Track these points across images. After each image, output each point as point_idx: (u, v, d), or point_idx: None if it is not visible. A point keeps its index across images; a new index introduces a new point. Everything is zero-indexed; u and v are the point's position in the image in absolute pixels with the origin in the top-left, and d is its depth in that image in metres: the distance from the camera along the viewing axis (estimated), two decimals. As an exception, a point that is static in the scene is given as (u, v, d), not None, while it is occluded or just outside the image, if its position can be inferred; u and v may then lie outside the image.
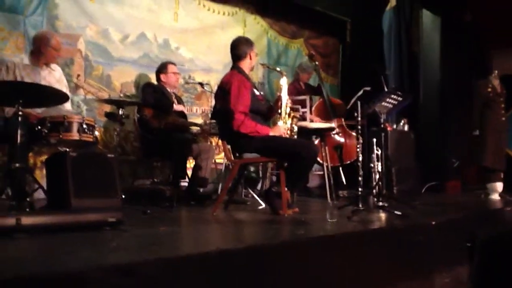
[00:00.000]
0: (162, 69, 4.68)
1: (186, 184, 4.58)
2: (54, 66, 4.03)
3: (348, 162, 5.59)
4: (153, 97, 4.44)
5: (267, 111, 3.84)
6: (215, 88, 5.41)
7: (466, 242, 2.58)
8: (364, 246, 2.76)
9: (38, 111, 3.64)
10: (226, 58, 5.91)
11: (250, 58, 3.76)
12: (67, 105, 3.78)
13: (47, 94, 3.07)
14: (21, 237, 2.30)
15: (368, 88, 4.96)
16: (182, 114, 4.66)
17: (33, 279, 1.56)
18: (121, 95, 3.83)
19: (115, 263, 1.77)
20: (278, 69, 4.01)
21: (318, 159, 4.49)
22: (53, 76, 3.95)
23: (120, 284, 1.66)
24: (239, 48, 3.75)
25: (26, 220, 2.38)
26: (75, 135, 3.38)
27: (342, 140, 5.60)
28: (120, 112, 3.66)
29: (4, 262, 1.80)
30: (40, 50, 3.87)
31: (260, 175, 5.40)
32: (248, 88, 3.61)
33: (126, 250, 2.09)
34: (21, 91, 3.02)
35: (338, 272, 2.52)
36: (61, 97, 3.12)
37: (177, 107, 4.60)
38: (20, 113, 3.02)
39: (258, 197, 4.72)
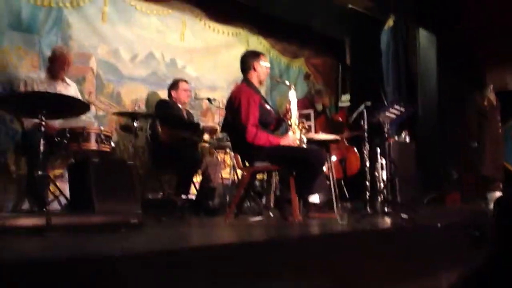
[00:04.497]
0: (173, 86, 4.87)
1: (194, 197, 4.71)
2: (69, 81, 4.19)
3: (351, 175, 5.76)
4: (172, 115, 4.62)
5: (276, 122, 4.00)
6: (222, 104, 5.65)
7: (473, 234, 2.72)
8: (374, 246, 2.88)
9: (56, 123, 3.78)
10: (230, 76, 6.17)
11: (255, 70, 3.86)
12: (83, 116, 3.92)
13: (69, 104, 3.22)
14: (51, 235, 2.42)
15: (368, 103, 5.14)
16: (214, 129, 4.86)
17: (71, 262, 1.67)
18: (136, 108, 3.98)
19: (152, 249, 1.88)
20: (286, 82, 4.18)
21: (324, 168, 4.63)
22: (68, 91, 4.08)
23: (159, 267, 1.78)
24: (244, 61, 3.90)
25: (56, 220, 2.51)
26: (93, 145, 3.52)
27: (335, 157, 5.78)
28: (135, 124, 3.81)
29: (44, 250, 1.92)
30: (57, 65, 4.03)
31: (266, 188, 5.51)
32: (256, 102, 3.73)
33: (158, 242, 2.21)
34: (44, 101, 3.16)
35: (348, 269, 2.63)
36: (82, 107, 3.26)
37: (207, 127, 4.78)
38: (43, 123, 3.16)
39: (265, 207, 4.86)
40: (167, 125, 4.55)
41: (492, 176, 5.52)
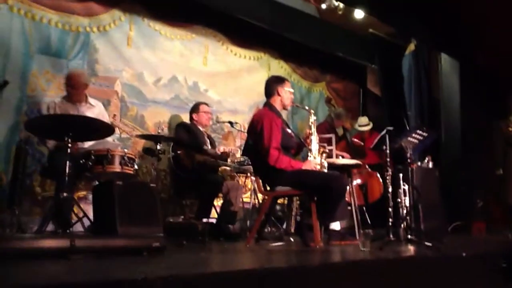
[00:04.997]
0: (194, 108, 4.93)
1: (214, 220, 4.71)
2: (94, 102, 4.25)
3: (372, 201, 5.70)
4: (186, 136, 4.65)
5: (297, 147, 4.00)
6: (243, 127, 5.68)
7: (500, 265, 2.65)
8: (397, 274, 2.83)
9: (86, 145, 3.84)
10: (251, 100, 6.24)
11: (279, 95, 3.91)
12: (109, 138, 3.97)
13: (94, 126, 3.28)
14: (76, 258, 2.44)
15: (391, 128, 5.10)
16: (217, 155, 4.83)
17: (102, 285, 1.68)
18: (160, 131, 4.03)
19: (173, 274, 1.88)
20: (306, 107, 4.19)
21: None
22: (92, 112, 4.14)
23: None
24: (269, 85, 3.95)
25: (79, 243, 2.53)
26: (117, 168, 3.56)
27: (360, 180, 5.73)
28: (158, 147, 3.86)
29: (68, 273, 1.94)
30: (71, 87, 4.10)
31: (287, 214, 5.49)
32: (278, 125, 3.77)
33: (181, 266, 2.21)
34: (70, 124, 3.22)
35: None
36: (107, 129, 3.31)
37: (210, 150, 4.76)
38: (69, 145, 3.22)
39: (286, 233, 4.84)
40: (180, 148, 4.56)
41: (518, 205, 5.39)
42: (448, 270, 3.11)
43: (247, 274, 2.09)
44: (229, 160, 4.98)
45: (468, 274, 3.17)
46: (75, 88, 4.10)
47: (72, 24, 4.83)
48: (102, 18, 5.06)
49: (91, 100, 4.24)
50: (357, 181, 5.73)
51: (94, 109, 4.21)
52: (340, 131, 6.03)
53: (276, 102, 3.92)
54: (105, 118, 4.25)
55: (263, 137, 3.66)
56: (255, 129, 3.77)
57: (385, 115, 6.19)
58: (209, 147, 4.84)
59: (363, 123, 6.29)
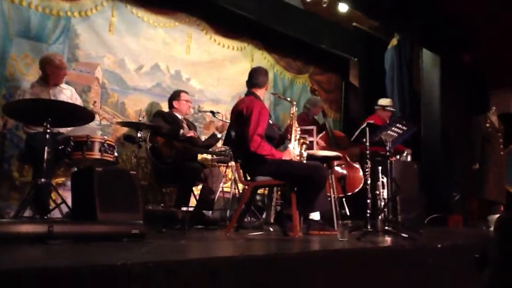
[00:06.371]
0: (175, 96, 4.88)
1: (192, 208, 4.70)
2: (65, 85, 4.18)
3: (351, 193, 5.76)
4: (163, 124, 4.61)
5: (279, 138, 4.03)
6: (225, 117, 5.67)
7: (472, 261, 2.71)
8: (374, 264, 2.88)
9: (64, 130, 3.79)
10: (234, 90, 6.22)
11: (266, 89, 3.98)
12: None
13: (75, 112, 3.24)
14: (53, 243, 2.42)
15: (371, 121, 5.16)
16: (193, 140, 4.78)
17: (81, 270, 1.68)
18: (141, 118, 4.00)
19: (157, 260, 1.88)
20: (288, 99, 4.21)
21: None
22: (64, 94, 4.09)
23: (163, 279, 1.78)
24: (260, 77, 3.96)
25: (58, 228, 2.51)
26: (96, 154, 3.54)
27: (345, 172, 5.77)
28: (139, 134, 3.83)
29: (45, 258, 1.93)
30: (46, 71, 4.03)
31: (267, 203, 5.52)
32: (266, 114, 3.80)
33: (160, 253, 2.21)
34: (49, 109, 3.17)
35: (347, 287, 2.63)
36: (88, 116, 3.28)
37: (186, 132, 4.72)
38: (48, 131, 3.18)
39: (265, 222, 4.87)
40: (158, 136, 4.52)
41: (495, 200, 5.52)
42: (423, 260, 3.17)
43: (226, 261, 2.11)
44: (219, 135, 4.91)
45: (442, 265, 3.24)
46: (60, 69, 4.03)
47: (52, 8, 4.73)
48: (83, 3, 4.96)
49: (62, 84, 4.17)
50: (342, 172, 5.76)
51: (66, 91, 4.15)
52: (320, 119, 6.01)
53: (261, 93, 3.96)
54: (78, 101, 4.19)
55: (249, 123, 3.67)
56: (242, 116, 3.76)
57: (365, 107, 6.23)
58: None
59: (388, 104, 6.16)
